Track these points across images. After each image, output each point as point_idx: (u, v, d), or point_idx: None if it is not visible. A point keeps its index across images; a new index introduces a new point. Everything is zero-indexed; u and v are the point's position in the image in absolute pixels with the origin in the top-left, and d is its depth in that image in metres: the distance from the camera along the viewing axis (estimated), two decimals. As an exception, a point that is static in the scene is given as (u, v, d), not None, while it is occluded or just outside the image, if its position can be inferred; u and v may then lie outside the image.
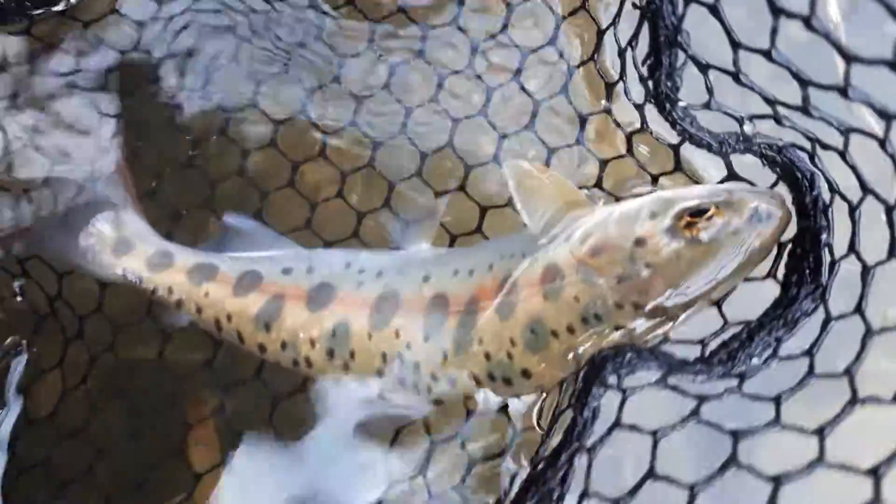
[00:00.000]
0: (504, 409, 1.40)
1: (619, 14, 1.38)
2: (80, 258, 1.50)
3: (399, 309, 1.37)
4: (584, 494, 1.03)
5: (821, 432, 0.98)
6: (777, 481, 0.90)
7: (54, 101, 1.59)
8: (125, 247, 1.49)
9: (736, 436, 1.00)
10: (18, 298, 1.53)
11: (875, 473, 0.88)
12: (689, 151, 1.41)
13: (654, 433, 1.05)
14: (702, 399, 1.10)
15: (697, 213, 1.21)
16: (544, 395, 1.39)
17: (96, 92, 1.59)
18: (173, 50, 1.60)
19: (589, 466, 1.06)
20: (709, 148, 1.32)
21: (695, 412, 1.08)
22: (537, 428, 1.38)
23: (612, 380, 1.15)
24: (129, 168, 1.53)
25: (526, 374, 1.31)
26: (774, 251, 1.28)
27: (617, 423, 1.10)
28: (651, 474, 0.99)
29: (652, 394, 1.14)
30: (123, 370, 1.53)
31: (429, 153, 1.56)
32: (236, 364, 1.51)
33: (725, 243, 1.20)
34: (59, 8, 1.50)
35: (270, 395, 1.50)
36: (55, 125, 1.58)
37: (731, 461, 0.95)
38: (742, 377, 1.17)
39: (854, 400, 1.01)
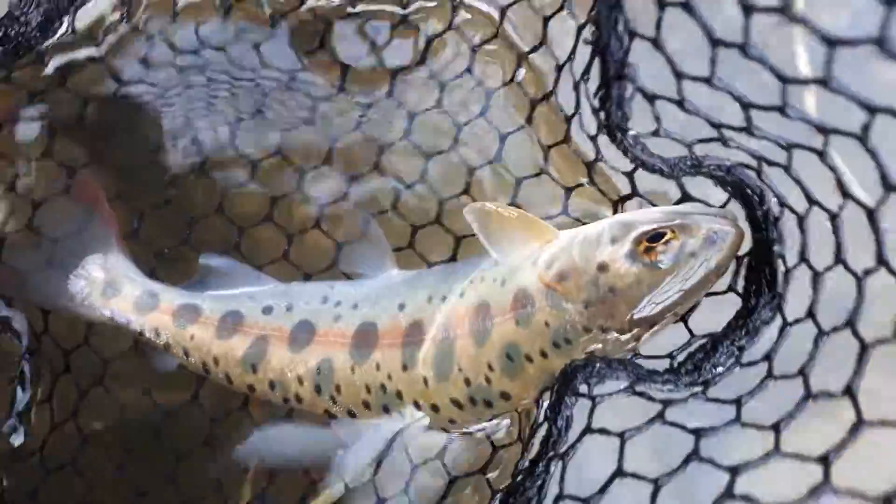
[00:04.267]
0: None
1: (573, 51, 1.47)
2: (69, 301, 1.53)
3: (377, 342, 1.42)
4: (560, 497, 1.07)
5: (776, 427, 1.04)
6: (734, 471, 0.95)
7: (34, 147, 1.63)
8: (113, 289, 1.53)
9: (698, 434, 1.06)
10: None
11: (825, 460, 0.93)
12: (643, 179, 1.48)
13: (621, 434, 1.10)
14: (666, 403, 1.16)
15: (655, 237, 1.27)
16: (522, 411, 1.44)
17: (75, 137, 1.64)
18: (153, 95, 1.65)
19: (563, 471, 1.11)
20: (661, 173, 1.39)
21: (660, 415, 1.13)
22: (518, 442, 1.42)
23: (583, 389, 1.20)
24: (112, 209, 1.57)
25: (505, 396, 1.36)
26: (733, 266, 1.35)
27: (588, 429, 1.15)
28: (619, 472, 1.03)
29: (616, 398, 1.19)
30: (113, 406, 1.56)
31: (402, 188, 1.63)
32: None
33: (683, 265, 1.26)
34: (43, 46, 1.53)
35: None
36: (38, 170, 1.62)
37: (693, 455, 1.00)
38: (707, 384, 1.24)
39: (808, 395, 1.07)
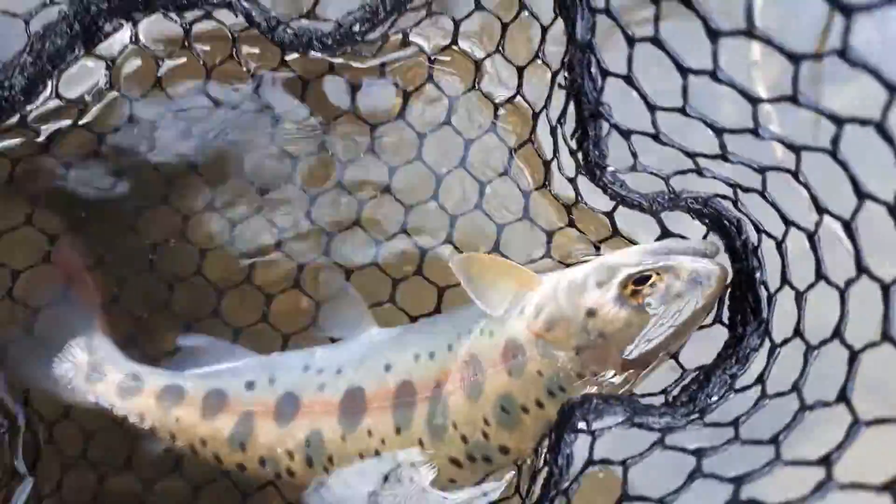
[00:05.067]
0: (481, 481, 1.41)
1: (549, 97, 1.52)
2: (53, 384, 1.49)
3: (366, 407, 1.38)
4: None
5: (775, 440, 1.03)
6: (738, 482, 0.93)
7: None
8: (97, 374, 1.49)
9: (699, 453, 1.04)
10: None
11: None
12: (623, 217, 1.52)
13: (623, 463, 1.08)
14: (665, 430, 1.15)
15: (640, 280, 1.28)
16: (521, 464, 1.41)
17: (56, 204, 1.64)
18: (133, 156, 1.67)
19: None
20: (640, 208, 1.42)
21: (660, 441, 1.11)
22: (516, 495, 1.39)
23: (582, 425, 1.18)
24: (92, 279, 1.55)
25: (504, 450, 1.34)
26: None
27: (590, 461, 1.13)
28: (625, 497, 1.01)
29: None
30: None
31: (383, 240, 1.63)
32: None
33: (671, 306, 1.27)
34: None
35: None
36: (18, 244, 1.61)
37: (697, 472, 0.99)
38: (703, 412, 1.23)
39: (803, 408, 1.07)
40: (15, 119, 1.49)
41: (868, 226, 1.05)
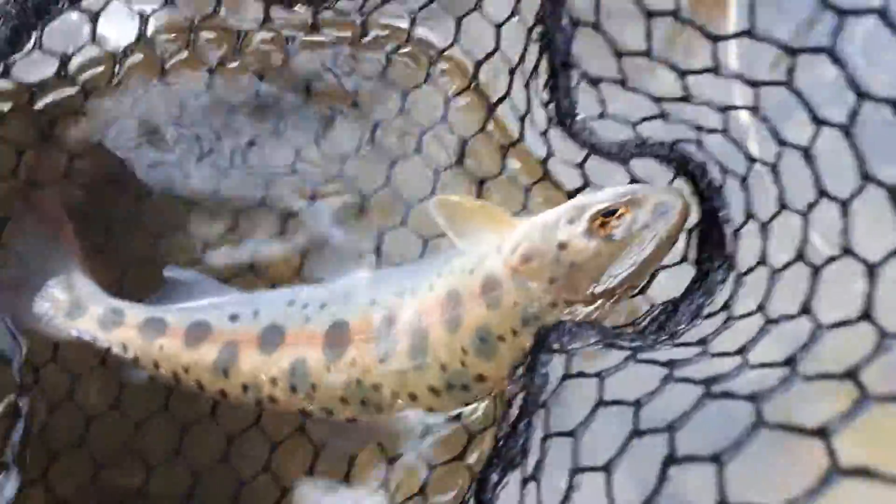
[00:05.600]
0: (458, 416, 1.48)
1: (522, 57, 1.60)
2: (34, 322, 1.53)
3: (350, 339, 1.44)
4: (546, 437, 1.09)
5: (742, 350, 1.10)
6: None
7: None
8: (78, 310, 1.53)
9: (671, 363, 1.11)
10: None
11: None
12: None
13: (598, 374, 1.14)
14: (636, 349, 1.21)
15: (608, 214, 1.35)
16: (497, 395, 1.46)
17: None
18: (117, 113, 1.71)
19: (547, 415, 1.13)
20: (609, 156, 1.50)
21: (632, 356, 1.18)
22: (493, 425, 1.44)
23: (556, 346, 1.24)
24: (74, 228, 1.58)
25: (481, 378, 1.39)
26: (683, 237, 1.43)
27: (567, 375, 1.19)
28: (601, 402, 1.07)
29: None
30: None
31: (370, 195, 1.70)
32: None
33: (636, 236, 1.34)
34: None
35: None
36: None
37: (669, 377, 1.05)
38: (672, 336, 1.29)
39: (767, 321, 1.15)
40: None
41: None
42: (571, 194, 1.63)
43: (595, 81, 1.42)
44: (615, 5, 1.30)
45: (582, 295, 1.35)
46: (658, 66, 1.31)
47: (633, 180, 1.53)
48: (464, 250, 1.45)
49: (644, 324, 1.40)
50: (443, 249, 1.53)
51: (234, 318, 1.51)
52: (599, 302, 1.36)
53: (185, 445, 1.56)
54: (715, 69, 1.23)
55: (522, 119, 1.66)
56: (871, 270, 1.01)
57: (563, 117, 1.48)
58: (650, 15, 1.26)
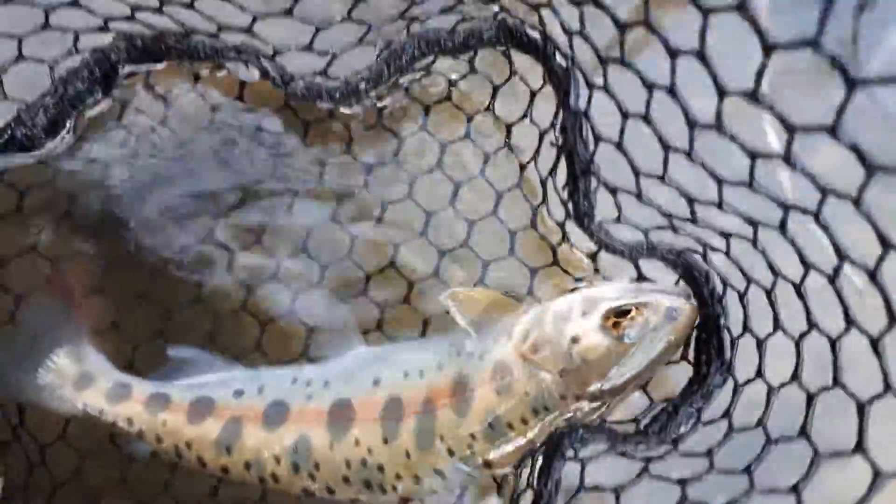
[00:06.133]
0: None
1: (537, 152, 1.69)
2: (39, 394, 1.52)
3: (354, 418, 1.45)
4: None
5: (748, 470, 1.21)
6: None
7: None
8: (86, 381, 1.53)
9: (683, 483, 1.20)
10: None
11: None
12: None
13: (615, 490, 1.23)
14: (648, 459, 1.30)
15: (621, 313, 1.40)
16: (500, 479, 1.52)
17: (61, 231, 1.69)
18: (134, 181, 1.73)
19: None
20: (621, 254, 1.58)
21: (644, 469, 1.27)
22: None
23: (570, 453, 1.32)
24: (89, 304, 1.60)
25: (488, 465, 1.44)
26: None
27: (581, 487, 1.27)
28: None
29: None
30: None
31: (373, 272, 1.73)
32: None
33: (647, 338, 1.40)
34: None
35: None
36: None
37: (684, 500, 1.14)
38: (676, 442, 1.39)
39: (769, 441, 1.26)
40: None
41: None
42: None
43: (613, 191, 1.50)
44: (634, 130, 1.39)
45: (590, 390, 1.41)
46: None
47: (640, 276, 1.61)
48: (474, 335, 1.48)
49: (645, 423, 1.48)
50: (448, 331, 1.57)
51: (238, 394, 1.52)
52: (605, 399, 1.43)
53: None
54: (719, 204, 1.32)
55: (536, 209, 1.73)
56: (862, 409, 1.11)
57: (581, 217, 1.57)
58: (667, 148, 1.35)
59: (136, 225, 1.71)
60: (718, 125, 1.13)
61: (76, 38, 1.56)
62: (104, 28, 1.56)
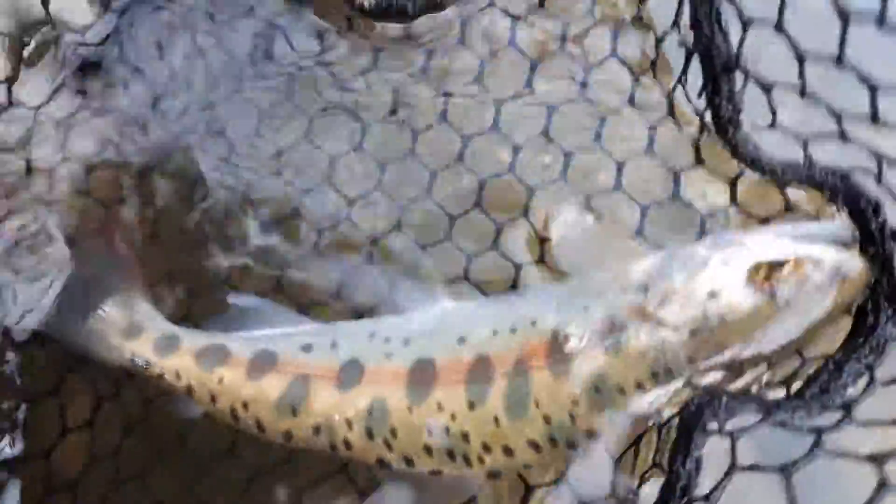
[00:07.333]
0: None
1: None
2: (88, 342, 1.43)
3: (437, 379, 1.27)
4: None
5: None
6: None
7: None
8: (135, 331, 1.42)
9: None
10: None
11: None
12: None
13: (782, 469, 0.96)
14: (819, 431, 1.03)
15: (774, 265, 1.17)
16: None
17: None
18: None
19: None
20: (771, 175, 1.32)
21: (817, 443, 1.00)
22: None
23: (713, 425, 1.08)
24: (135, 250, 1.55)
25: (592, 434, 1.22)
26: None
27: (734, 465, 1.02)
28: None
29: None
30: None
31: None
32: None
33: (806, 301, 1.16)
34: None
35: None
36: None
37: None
38: (848, 407, 1.11)
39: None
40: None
41: None
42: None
43: (768, 87, 1.25)
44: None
45: (727, 356, 1.18)
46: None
47: (787, 208, 1.36)
48: (578, 283, 1.29)
49: (799, 385, 1.20)
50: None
51: (307, 348, 1.36)
52: (743, 368, 1.19)
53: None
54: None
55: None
56: None
57: (724, 125, 1.32)
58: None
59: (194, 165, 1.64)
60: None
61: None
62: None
